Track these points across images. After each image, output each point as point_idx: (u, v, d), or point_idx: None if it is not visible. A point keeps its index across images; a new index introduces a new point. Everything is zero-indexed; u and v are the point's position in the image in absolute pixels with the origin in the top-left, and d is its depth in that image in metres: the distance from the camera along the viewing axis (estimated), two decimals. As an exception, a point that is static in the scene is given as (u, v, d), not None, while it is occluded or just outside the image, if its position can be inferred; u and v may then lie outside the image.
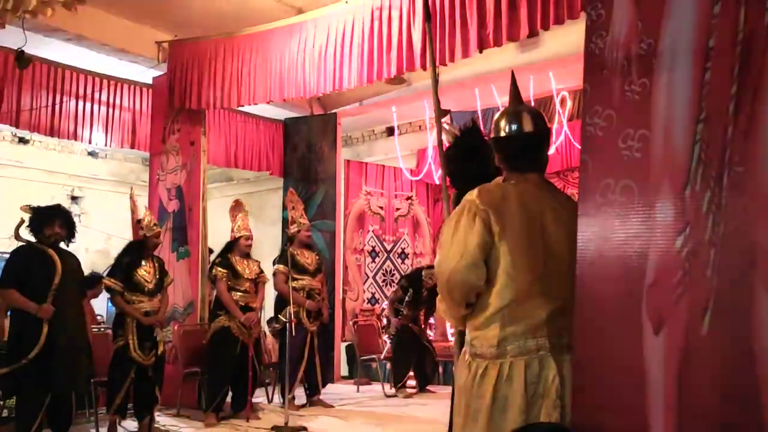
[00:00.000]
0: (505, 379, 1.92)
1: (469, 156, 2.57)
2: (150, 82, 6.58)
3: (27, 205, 4.40)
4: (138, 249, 4.96)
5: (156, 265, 4.99)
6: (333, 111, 7.49)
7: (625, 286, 1.38)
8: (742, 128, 1.25)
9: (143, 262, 4.90)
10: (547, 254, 1.89)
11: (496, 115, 2.20)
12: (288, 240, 5.89)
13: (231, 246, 5.45)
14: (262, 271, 5.55)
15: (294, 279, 5.43)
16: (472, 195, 2.03)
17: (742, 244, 1.23)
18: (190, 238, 6.07)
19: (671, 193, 1.33)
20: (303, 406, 5.79)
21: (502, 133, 2.12)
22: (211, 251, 6.40)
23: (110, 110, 6.56)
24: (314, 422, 5.24)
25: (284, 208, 7.37)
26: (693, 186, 1.30)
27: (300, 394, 5.96)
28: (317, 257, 5.85)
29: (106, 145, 6.80)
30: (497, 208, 1.96)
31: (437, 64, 4.41)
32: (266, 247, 7.64)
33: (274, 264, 5.70)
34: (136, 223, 5.10)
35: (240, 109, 6.82)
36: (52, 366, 4.10)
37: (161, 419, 5.17)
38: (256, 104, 5.66)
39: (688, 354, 1.28)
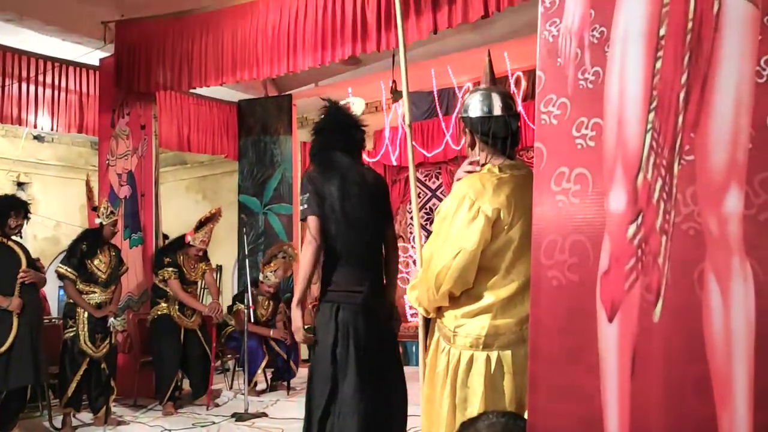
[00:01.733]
0: (494, 370, 1.93)
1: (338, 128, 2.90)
2: (97, 63, 6.36)
3: None
4: (94, 237, 4.82)
5: (112, 254, 4.87)
6: (288, 92, 7.38)
7: (580, 274, 1.39)
8: (692, 117, 1.26)
9: (99, 252, 4.77)
10: None
11: (468, 94, 2.17)
12: (252, 282, 5.75)
13: (182, 246, 5.33)
14: (207, 260, 5.51)
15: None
16: (473, 188, 1.99)
17: (693, 232, 1.25)
18: (144, 225, 5.92)
19: (624, 181, 1.34)
20: (264, 391, 5.77)
21: (473, 113, 2.10)
22: (165, 237, 6.27)
23: (56, 93, 6.30)
24: (275, 407, 5.22)
25: (239, 192, 7.29)
26: (645, 174, 1.31)
27: (260, 379, 5.93)
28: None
29: (52, 129, 6.54)
30: (507, 204, 1.95)
31: (394, 45, 4.38)
32: (221, 232, 7.51)
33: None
34: (92, 211, 4.96)
35: (192, 91, 6.66)
36: (15, 358, 4.05)
37: (118, 410, 5.09)
38: (208, 86, 5.52)
39: (641, 341, 1.30)
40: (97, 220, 4.83)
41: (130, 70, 5.74)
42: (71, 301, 4.69)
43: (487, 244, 1.95)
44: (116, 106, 6.19)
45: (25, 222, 4.37)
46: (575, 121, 1.41)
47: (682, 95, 1.28)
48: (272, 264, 5.85)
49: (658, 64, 1.30)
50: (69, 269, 4.65)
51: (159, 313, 5.23)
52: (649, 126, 1.31)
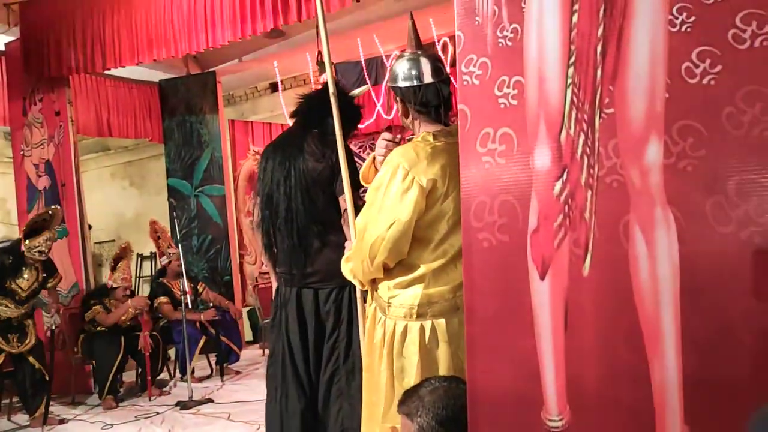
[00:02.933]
0: (429, 339, 1.92)
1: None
2: (2, 48, 5.98)
3: None
4: (18, 257, 4.59)
5: (37, 272, 4.63)
6: (211, 69, 7.14)
7: (510, 234, 1.39)
8: (609, 69, 1.26)
9: (23, 269, 4.55)
10: None
11: (395, 61, 2.11)
12: (159, 272, 5.82)
13: (106, 293, 5.29)
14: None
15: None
16: (406, 157, 1.95)
17: (616, 185, 1.26)
18: (67, 216, 5.66)
19: (548, 138, 1.33)
20: (209, 377, 5.68)
21: (402, 83, 2.05)
22: (90, 227, 6.04)
23: (-41, 82, 5.92)
24: (220, 392, 5.15)
25: (168, 175, 7.06)
26: (567, 130, 1.31)
27: (204, 365, 5.83)
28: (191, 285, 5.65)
29: (-44, 120, 6.15)
30: (442, 174, 1.92)
31: (315, 15, 4.27)
32: (153, 216, 7.29)
33: (150, 299, 5.58)
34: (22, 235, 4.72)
35: (109, 73, 6.35)
36: None
37: (55, 408, 4.90)
38: (123, 67, 5.27)
39: (573, 296, 1.31)
40: (23, 247, 4.58)
41: (39, 54, 5.42)
42: None
43: (422, 215, 1.93)
44: (27, 93, 5.85)
45: None
46: (497, 81, 1.40)
47: (599, 48, 1.27)
48: (159, 247, 5.76)
49: (575, 18, 1.29)
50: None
51: (93, 315, 5.15)
52: (569, 81, 1.30)
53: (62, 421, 4.69)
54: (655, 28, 1.22)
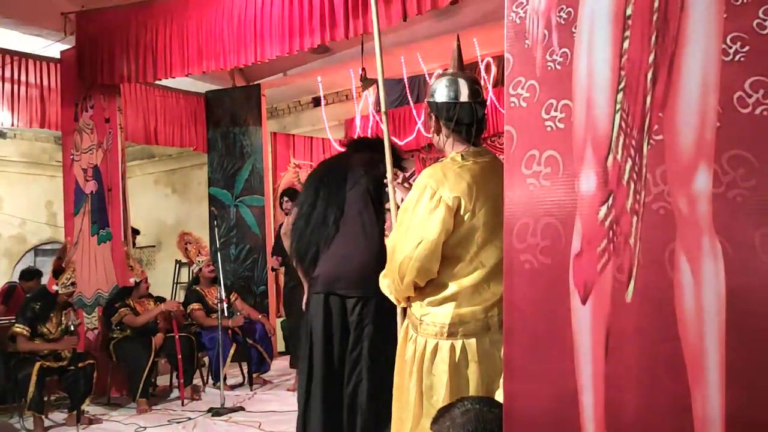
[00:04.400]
0: (459, 359, 1.92)
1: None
2: (58, 56, 6.20)
3: None
4: (47, 301, 4.79)
5: (62, 316, 4.82)
6: (256, 82, 7.28)
7: (552, 256, 1.39)
8: (660, 97, 1.26)
9: (51, 315, 4.74)
10: None
11: (434, 79, 2.16)
12: (193, 280, 5.94)
13: (128, 292, 5.47)
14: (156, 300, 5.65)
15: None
16: (434, 177, 1.98)
17: (663, 212, 1.25)
18: (111, 220, 5.81)
19: (594, 162, 1.33)
20: (240, 385, 5.73)
21: (439, 99, 2.09)
22: (136, 232, 6.19)
23: (16, 87, 6.13)
24: (251, 401, 5.19)
25: (209, 184, 7.20)
26: (615, 155, 1.31)
27: (236, 374, 5.89)
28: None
29: (12, 124, 6.38)
30: (468, 192, 1.93)
31: (362, 32, 4.34)
32: (192, 226, 7.46)
33: (184, 306, 5.72)
34: (52, 274, 4.90)
35: (158, 83, 6.53)
36: None
37: (91, 408, 5.00)
38: (173, 77, 5.42)
39: (614, 321, 1.30)
40: (55, 287, 4.77)
41: (93, 62, 5.61)
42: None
43: (450, 233, 1.94)
44: (79, 100, 6.05)
45: None
46: (544, 104, 1.40)
47: (649, 75, 1.27)
48: (189, 256, 5.85)
49: (626, 44, 1.30)
50: (23, 326, 4.62)
51: (120, 317, 5.31)
52: (618, 107, 1.30)
53: (97, 421, 4.79)
54: (708, 57, 1.21)
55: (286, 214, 5.26)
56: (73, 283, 4.81)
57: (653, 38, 1.27)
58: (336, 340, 2.81)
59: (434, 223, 1.91)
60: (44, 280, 5.77)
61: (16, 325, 4.65)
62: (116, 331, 5.30)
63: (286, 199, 5.68)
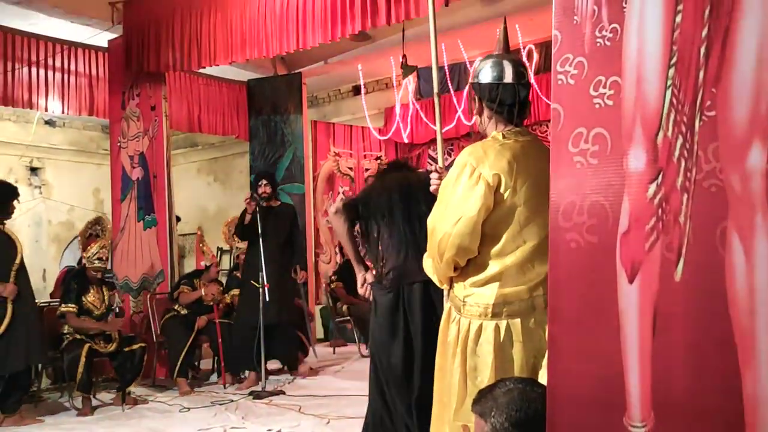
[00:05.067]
0: (504, 339, 1.92)
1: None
2: (105, 45, 6.35)
3: None
4: (80, 276, 5.00)
5: (102, 290, 4.99)
6: (297, 71, 7.34)
7: (599, 235, 1.37)
8: (713, 72, 1.23)
9: (89, 288, 4.90)
10: None
11: (480, 60, 2.15)
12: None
13: (199, 273, 5.72)
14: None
15: None
16: (474, 155, 1.98)
17: (715, 190, 1.22)
18: (157, 207, 5.95)
19: (643, 140, 1.31)
20: (280, 370, 5.82)
21: (483, 80, 2.08)
22: (177, 219, 6.31)
23: (65, 76, 6.31)
24: (291, 385, 5.27)
25: (251, 173, 7.29)
26: (665, 132, 1.29)
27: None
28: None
29: (63, 112, 6.57)
30: (509, 170, 1.93)
31: (404, 18, 4.33)
32: (233, 213, 7.53)
33: (225, 292, 5.86)
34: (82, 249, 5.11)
35: (202, 71, 6.64)
36: (12, 344, 4.12)
37: (136, 389, 5.14)
38: (217, 65, 5.50)
39: (662, 301, 1.28)
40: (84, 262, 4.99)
41: (139, 51, 5.74)
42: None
43: (490, 211, 1.93)
44: (126, 88, 6.20)
45: (13, 209, 4.46)
46: (593, 80, 1.38)
47: (702, 50, 1.25)
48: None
49: (678, 19, 1.27)
50: (69, 304, 4.79)
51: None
52: (669, 82, 1.28)
53: (142, 402, 4.93)
54: (764, 31, 1.18)
55: (261, 197, 5.24)
56: (99, 259, 4.91)
57: (707, 12, 1.24)
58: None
59: (474, 200, 1.90)
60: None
61: (62, 305, 4.82)
62: (176, 306, 5.49)
63: (264, 182, 5.43)
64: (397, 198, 3.02)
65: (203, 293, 5.45)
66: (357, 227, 3.13)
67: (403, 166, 3.44)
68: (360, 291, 3.09)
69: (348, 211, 3.06)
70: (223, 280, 6.02)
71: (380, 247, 3.00)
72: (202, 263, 5.61)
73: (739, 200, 1.20)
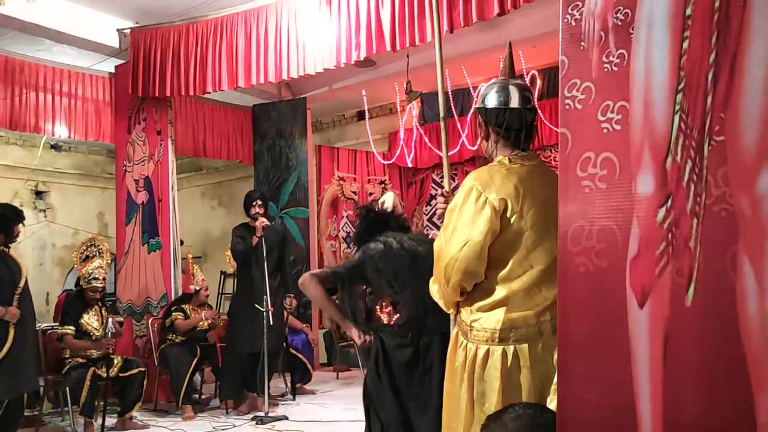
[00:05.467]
0: (511, 364, 1.90)
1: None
2: (112, 71, 6.41)
3: None
4: (77, 298, 4.97)
5: (100, 310, 4.95)
6: (302, 96, 7.39)
7: (608, 259, 1.37)
8: (721, 97, 1.24)
9: (88, 309, 4.87)
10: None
11: (486, 85, 2.15)
12: None
13: (188, 298, 5.62)
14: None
15: None
16: (480, 180, 1.97)
17: (725, 214, 1.22)
18: (161, 230, 5.95)
19: (652, 164, 1.31)
20: (284, 395, 5.77)
21: (490, 104, 2.09)
22: (181, 243, 6.31)
23: (72, 101, 6.36)
24: (295, 410, 5.22)
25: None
26: (674, 156, 1.29)
27: (280, 383, 5.93)
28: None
29: (69, 137, 6.61)
30: (515, 194, 1.92)
31: (408, 44, 4.38)
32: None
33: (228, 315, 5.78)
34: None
35: (207, 96, 6.68)
36: (14, 368, 4.07)
37: (138, 414, 5.09)
38: (222, 91, 5.54)
39: (673, 326, 1.27)
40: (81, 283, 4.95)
41: (146, 77, 5.79)
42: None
43: (497, 236, 1.92)
44: (132, 113, 6.25)
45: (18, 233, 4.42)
46: (600, 105, 1.39)
47: (710, 75, 1.25)
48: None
49: (685, 44, 1.28)
50: (67, 326, 4.78)
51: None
52: (677, 107, 1.28)
53: (144, 427, 4.87)
54: (772, 56, 1.19)
55: (254, 218, 5.18)
56: (95, 278, 4.87)
57: (714, 38, 1.25)
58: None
59: (480, 225, 1.90)
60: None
61: (60, 327, 4.81)
62: (170, 335, 5.42)
63: (259, 202, 5.28)
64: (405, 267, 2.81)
65: (203, 317, 5.41)
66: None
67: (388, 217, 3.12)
68: (359, 342, 2.86)
69: (329, 282, 2.88)
70: (226, 304, 6.00)
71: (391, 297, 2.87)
72: (191, 287, 5.56)
73: (750, 224, 1.20)
